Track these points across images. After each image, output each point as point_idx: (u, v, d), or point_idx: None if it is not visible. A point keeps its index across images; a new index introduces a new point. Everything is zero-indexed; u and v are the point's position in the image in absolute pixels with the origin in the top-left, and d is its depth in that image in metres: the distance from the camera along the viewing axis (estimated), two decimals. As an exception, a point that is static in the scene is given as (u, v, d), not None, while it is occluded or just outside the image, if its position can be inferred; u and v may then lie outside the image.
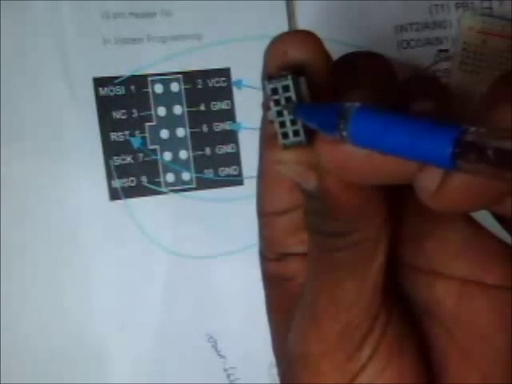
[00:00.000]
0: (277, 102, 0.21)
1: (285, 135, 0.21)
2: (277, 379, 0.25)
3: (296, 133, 0.21)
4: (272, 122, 0.21)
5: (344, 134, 0.19)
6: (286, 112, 0.21)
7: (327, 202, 0.21)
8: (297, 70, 0.21)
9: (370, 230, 0.21)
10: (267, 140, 0.22)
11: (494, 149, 0.16)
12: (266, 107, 0.22)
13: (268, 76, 0.21)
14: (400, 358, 0.23)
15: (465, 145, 0.17)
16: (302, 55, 0.21)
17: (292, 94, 0.21)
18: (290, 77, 0.21)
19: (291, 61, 0.21)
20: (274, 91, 0.21)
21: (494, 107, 0.18)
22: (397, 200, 0.23)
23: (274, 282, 0.24)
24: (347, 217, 0.21)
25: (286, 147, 0.21)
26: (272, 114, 0.21)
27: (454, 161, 0.17)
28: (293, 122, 0.21)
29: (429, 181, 0.19)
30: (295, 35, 0.22)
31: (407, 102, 0.22)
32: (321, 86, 0.21)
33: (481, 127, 0.17)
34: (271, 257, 0.24)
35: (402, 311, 0.24)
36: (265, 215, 0.24)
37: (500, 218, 0.22)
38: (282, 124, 0.21)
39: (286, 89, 0.21)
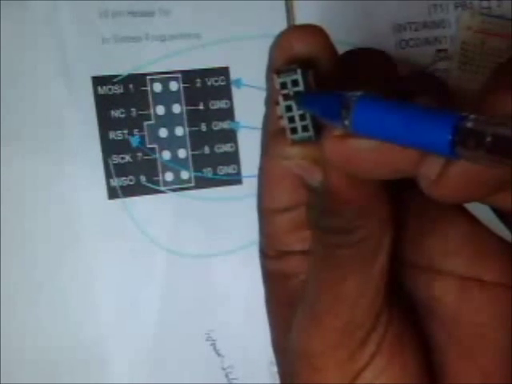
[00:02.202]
0: (285, 97, 0.21)
1: (293, 130, 0.21)
2: (277, 377, 0.25)
3: (305, 128, 0.21)
4: (280, 117, 0.21)
5: (346, 122, 0.19)
6: (294, 107, 0.21)
7: (331, 199, 0.21)
8: (304, 64, 0.21)
9: (374, 227, 0.21)
10: (273, 135, 0.22)
11: (493, 135, 0.16)
12: (270, 102, 0.22)
13: (276, 70, 0.21)
14: (401, 356, 0.23)
15: (464, 132, 0.17)
16: (310, 49, 0.21)
17: (301, 87, 0.20)
18: (299, 71, 0.20)
19: (298, 55, 0.21)
20: (283, 85, 0.21)
21: (492, 95, 0.18)
22: (398, 199, 0.23)
23: (274, 280, 0.24)
24: (351, 214, 0.21)
25: (294, 142, 0.21)
26: (281, 108, 0.21)
27: (453, 148, 0.17)
28: (302, 117, 0.21)
29: (430, 169, 0.19)
30: (303, 29, 0.22)
31: (408, 98, 0.22)
32: (327, 79, 0.21)
33: (480, 114, 0.17)
34: (272, 254, 0.24)
35: (403, 310, 0.24)
36: (266, 212, 0.24)
37: (501, 215, 0.22)
38: (291, 119, 0.21)
39: (294, 83, 0.20)
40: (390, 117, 0.18)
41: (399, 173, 0.20)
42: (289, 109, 0.21)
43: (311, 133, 0.21)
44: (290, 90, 0.21)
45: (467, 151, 0.17)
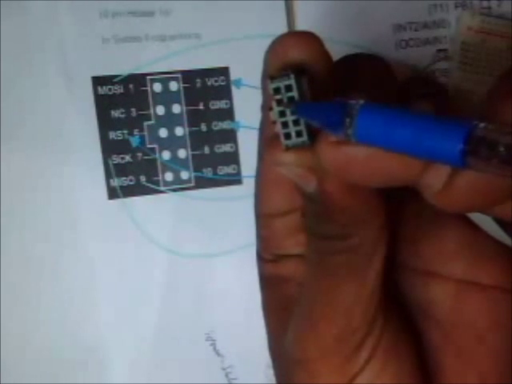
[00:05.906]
0: (279, 102, 0.21)
1: (287, 136, 0.21)
2: (273, 380, 0.25)
3: (299, 133, 0.21)
4: (274, 122, 0.21)
5: (349, 132, 0.18)
6: (288, 112, 0.20)
7: (326, 205, 0.21)
8: (298, 70, 0.21)
9: (369, 233, 0.21)
10: (268, 141, 0.22)
11: (506, 145, 0.16)
12: (265, 108, 0.22)
13: (270, 75, 0.21)
14: (397, 360, 0.23)
15: (475, 141, 0.16)
16: (303, 55, 0.21)
17: (295, 93, 0.20)
18: (292, 76, 0.20)
19: (292, 61, 0.21)
20: (277, 91, 0.21)
21: (502, 102, 0.18)
22: (394, 201, 0.23)
23: (270, 283, 0.24)
24: (346, 220, 0.21)
25: (288, 148, 0.21)
26: (274, 114, 0.21)
27: (465, 158, 0.16)
28: (295, 123, 0.20)
29: (435, 179, 0.18)
30: (296, 35, 0.22)
31: (407, 102, 0.22)
32: (322, 86, 0.21)
33: (490, 123, 0.16)
34: (268, 258, 0.24)
35: (399, 313, 0.24)
36: (262, 216, 0.24)
37: (499, 221, 0.22)
38: (285, 124, 0.21)
39: (288, 88, 0.20)
40: (395, 125, 0.18)
41: (398, 181, 0.19)
42: (282, 114, 0.21)
43: (305, 138, 0.20)
44: (284, 96, 0.20)
45: (478, 161, 0.16)
